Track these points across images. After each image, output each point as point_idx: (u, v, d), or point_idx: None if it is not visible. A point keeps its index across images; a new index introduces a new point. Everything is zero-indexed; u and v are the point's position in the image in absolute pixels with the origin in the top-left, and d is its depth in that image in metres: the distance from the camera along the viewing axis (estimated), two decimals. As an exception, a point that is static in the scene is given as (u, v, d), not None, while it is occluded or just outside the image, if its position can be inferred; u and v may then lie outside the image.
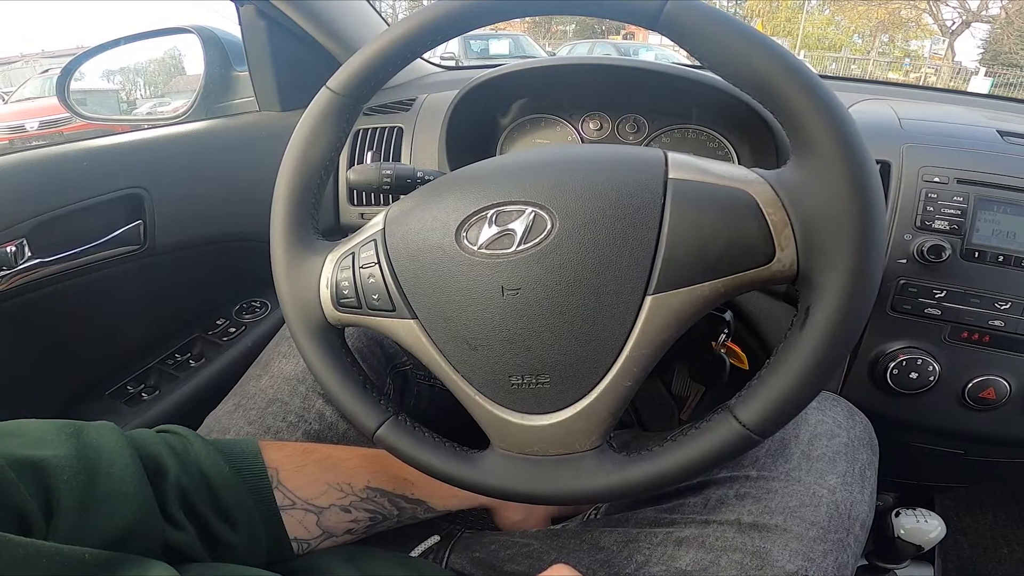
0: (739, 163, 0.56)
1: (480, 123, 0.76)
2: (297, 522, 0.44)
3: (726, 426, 0.35)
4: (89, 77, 1.01)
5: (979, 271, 0.55)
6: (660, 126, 0.72)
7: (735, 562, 0.43)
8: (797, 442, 0.49)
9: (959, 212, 0.55)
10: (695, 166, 0.36)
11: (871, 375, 0.60)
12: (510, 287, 0.36)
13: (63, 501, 0.32)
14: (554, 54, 8.86)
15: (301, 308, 0.42)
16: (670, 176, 0.35)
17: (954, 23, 15.21)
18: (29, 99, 6.34)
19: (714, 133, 0.71)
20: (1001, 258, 0.55)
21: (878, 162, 0.58)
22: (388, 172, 0.51)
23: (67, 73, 0.91)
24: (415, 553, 0.52)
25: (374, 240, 0.40)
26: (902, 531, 0.72)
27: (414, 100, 0.81)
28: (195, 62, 0.92)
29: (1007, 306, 0.55)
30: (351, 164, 0.81)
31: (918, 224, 0.56)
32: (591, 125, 0.74)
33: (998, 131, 0.62)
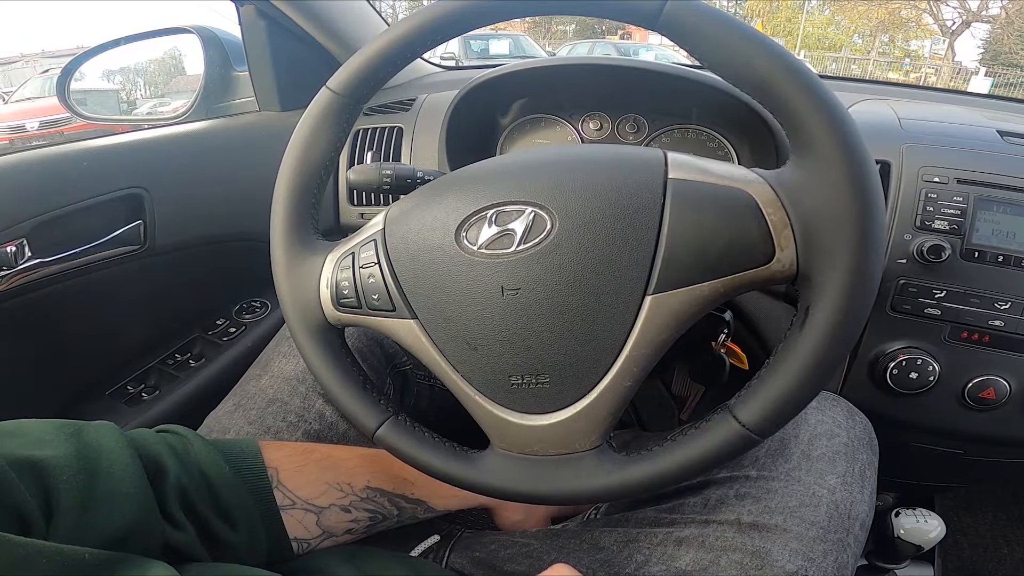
0: (739, 163, 0.56)
1: (480, 123, 0.76)
2: (297, 522, 0.44)
3: (726, 426, 0.35)
4: (89, 77, 1.01)
5: (979, 271, 0.55)
6: (660, 126, 0.72)
7: (735, 562, 0.43)
8: (797, 442, 0.49)
9: (959, 212, 0.55)
10: (695, 166, 0.36)
11: (871, 375, 0.60)
12: (510, 287, 0.36)
13: (63, 501, 0.32)
14: (554, 54, 8.86)
15: (301, 308, 0.42)
16: (670, 176, 0.35)
17: (954, 23, 15.22)
18: (29, 99, 6.34)
19: (714, 133, 0.71)
20: (1001, 258, 0.55)
21: (878, 162, 0.58)
22: (388, 172, 0.51)
23: (67, 73, 0.91)
24: (415, 553, 0.52)
25: (374, 240, 0.40)
26: (902, 531, 0.72)
27: (414, 100, 0.81)
28: (195, 62, 0.92)
29: (1007, 306, 0.55)
30: (351, 164, 0.81)
31: (918, 224, 0.56)
32: (591, 125, 0.74)
33: (998, 131, 0.62)
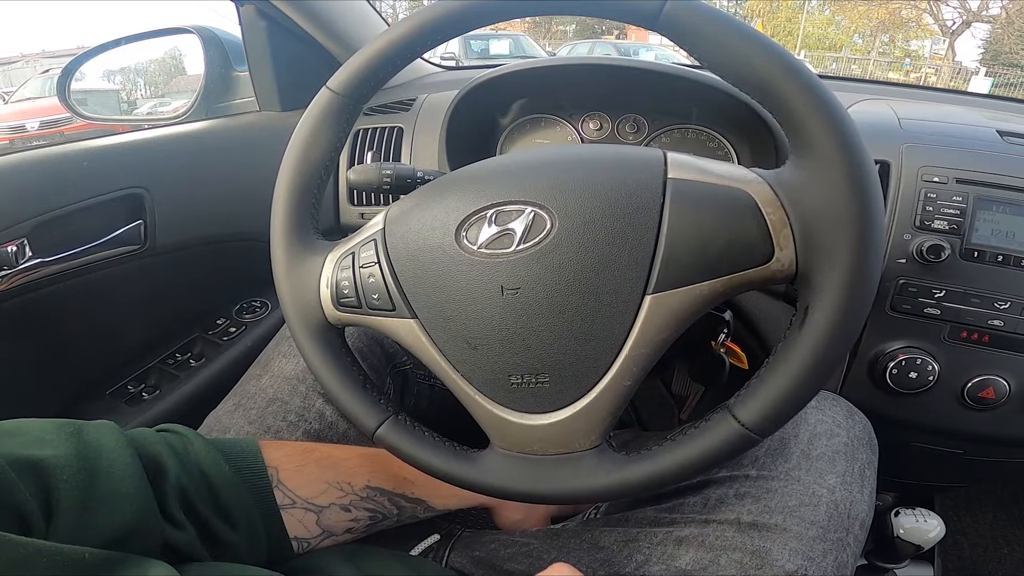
0: (739, 163, 0.56)
1: (480, 123, 0.76)
2: (297, 521, 0.44)
3: (725, 426, 0.35)
4: (90, 77, 1.01)
5: (978, 271, 0.55)
6: (660, 126, 0.72)
7: (735, 561, 0.43)
8: (797, 441, 0.49)
9: (958, 212, 0.55)
10: (694, 166, 0.36)
11: (871, 375, 0.60)
12: (510, 286, 0.36)
13: (63, 501, 0.32)
14: (554, 54, 8.86)
15: (301, 308, 0.42)
16: (669, 176, 0.35)
17: (954, 23, 15.22)
18: (30, 99, 6.34)
19: (714, 133, 0.71)
20: (1000, 258, 0.55)
21: (877, 162, 0.58)
22: (388, 172, 0.51)
23: (68, 73, 0.91)
24: (415, 552, 0.52)
25: (374, 240, 0.40)
26: (902, 531, 0.72)
27: (414, 100, 0.81)
28: (195, 62, 0.92)
29: (1006, 306, 0.55)
30: (351, 164, 0.81)
31: (917, 224, 0.56)
32: (591, 125, 0.74)
33: (998, 131, 0.62)
